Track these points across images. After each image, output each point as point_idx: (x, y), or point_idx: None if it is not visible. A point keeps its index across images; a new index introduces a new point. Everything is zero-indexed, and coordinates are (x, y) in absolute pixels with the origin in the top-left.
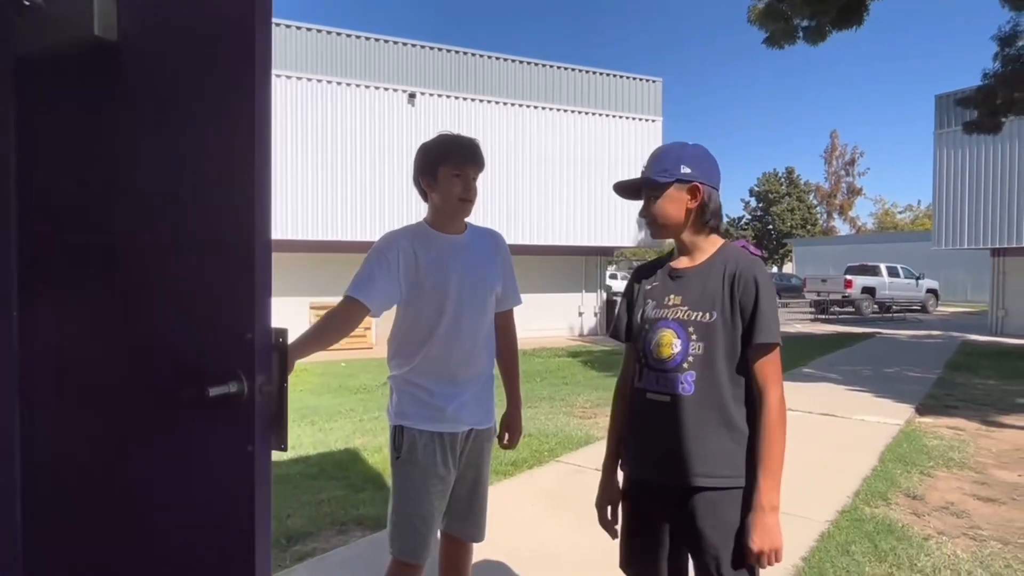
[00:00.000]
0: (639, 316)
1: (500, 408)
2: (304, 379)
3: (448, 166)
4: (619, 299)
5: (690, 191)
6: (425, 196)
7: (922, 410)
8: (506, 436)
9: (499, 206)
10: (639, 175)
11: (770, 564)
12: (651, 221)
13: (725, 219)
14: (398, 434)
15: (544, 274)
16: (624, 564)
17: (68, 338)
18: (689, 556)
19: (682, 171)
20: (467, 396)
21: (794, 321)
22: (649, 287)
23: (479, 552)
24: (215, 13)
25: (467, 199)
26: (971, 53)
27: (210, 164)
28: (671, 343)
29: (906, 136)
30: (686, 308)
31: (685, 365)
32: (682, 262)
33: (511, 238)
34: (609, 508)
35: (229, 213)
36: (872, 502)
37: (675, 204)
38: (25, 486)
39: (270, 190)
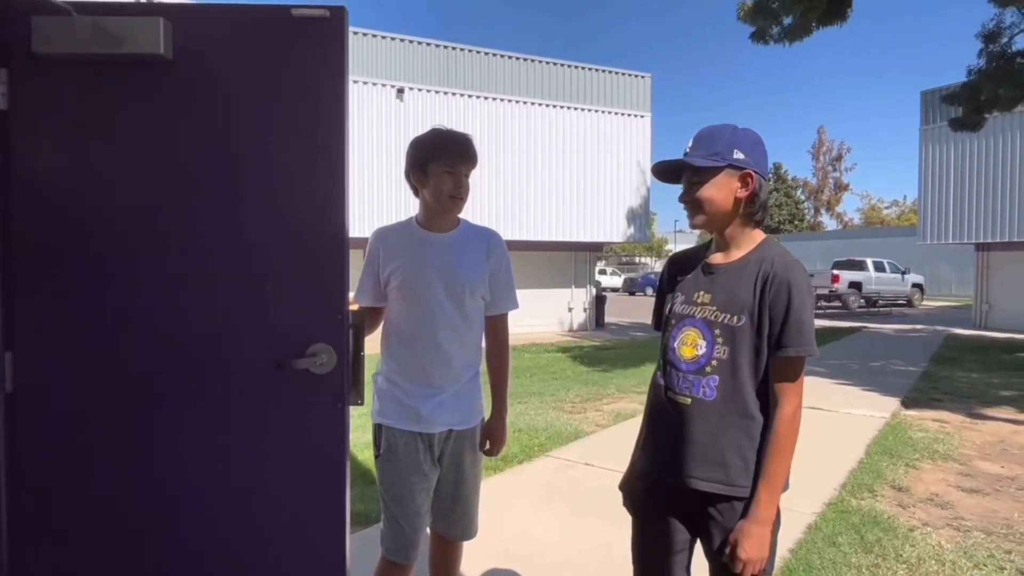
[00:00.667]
0: (668, 309)
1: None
2: None
3: (439, 163)
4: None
5: (742, 179)
6: (416, 191)
7: (908, 403)
8: (487, 444)
9: (487, 202)
10: (682, 155)
11: (753, 574)
12: (694, 209)
13: None
14: (377, 432)
15: (534, 270)
16: (634, 559)
17: (181, 325)
18: (698, 555)
19: (735, 156)
20: (445, 396)
21: None
22: (681, 279)
23: (468, 547)
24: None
25: (457, 196)
26: (956, 49)
27: (306, 179)
28: (696, 343)
29: (892, 132)
30: (714, 308)
31: (708, 368)
32: (717, 257)
33: (500, 234)
34: (627, 504)
35: (321, 219)
36: (858, 494)
37: (724, 192)
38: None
39: (348, 200)
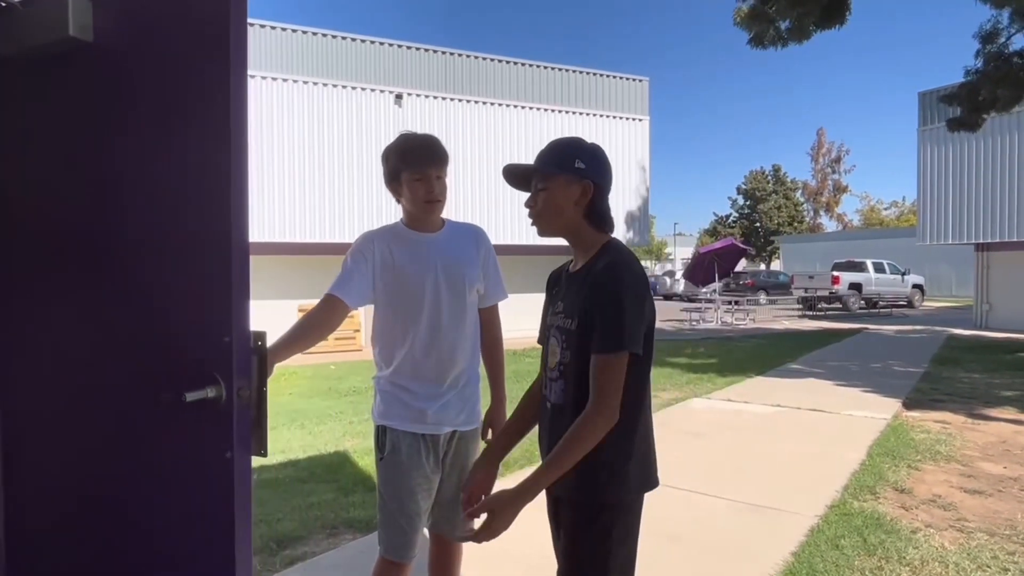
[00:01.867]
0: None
1: (486, 406)
2: (293, 382)
3: (408, 171)
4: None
5: (582, 188)
6: (396, 199)
7: (909, 404)
8: (490, 432)
9: (485, 206)
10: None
11: (479, 537)
12: (536, 214)
13: (713, 216)
14: (381, 435)
15: (531, 274)
16: None
17: (38, 339)
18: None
19: (576, 165)
20: (450, 397)
21: (782, 318)
22: (555, 291)
23: (469, 551)
24: (189, 14)
25: (432, 200)
26: (954, 50)
27: (185, 165)
28: (555, 351)
29: (891, 133)
30: (563, 314)
31: (558, 374)
32: (572, 266)
33: (497, 238)
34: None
35: (204, 214)
36: (860, 496)
37: (563, 199)
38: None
39: (246, 190)
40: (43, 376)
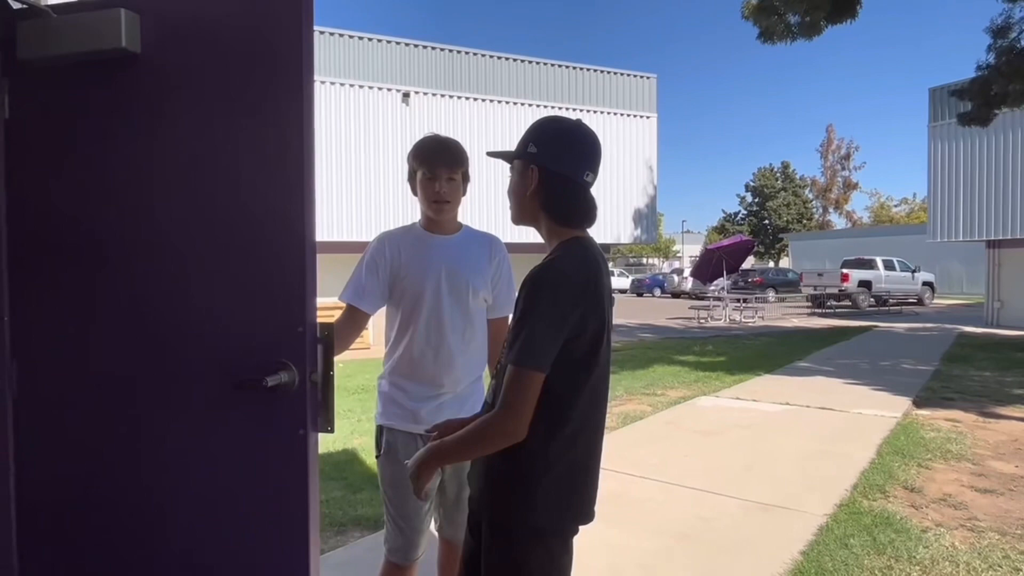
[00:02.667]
0: None
1: None
2: None
3: (422, 170)
4: None
5: (530, 173)
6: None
7: (919, 403)
8: None
9: (494, 205)
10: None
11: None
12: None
13: (721, 214)
14: (379, 433)
15: None
16: None
17: (129, 335)
18: None
19: (528, 149)
20: (446, 399)
21: (791, 315)
22: None
23: None
24: (245, 22)
25: (439, 200)
26: (964, 46)
27: (262, 171)
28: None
29: (901, 130)
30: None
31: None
32: None
33: (507, 237)
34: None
35: (281, 217)
36: (870, 495)
37: (518, 186)
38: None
39: (315, 196)
40: (131, 362)
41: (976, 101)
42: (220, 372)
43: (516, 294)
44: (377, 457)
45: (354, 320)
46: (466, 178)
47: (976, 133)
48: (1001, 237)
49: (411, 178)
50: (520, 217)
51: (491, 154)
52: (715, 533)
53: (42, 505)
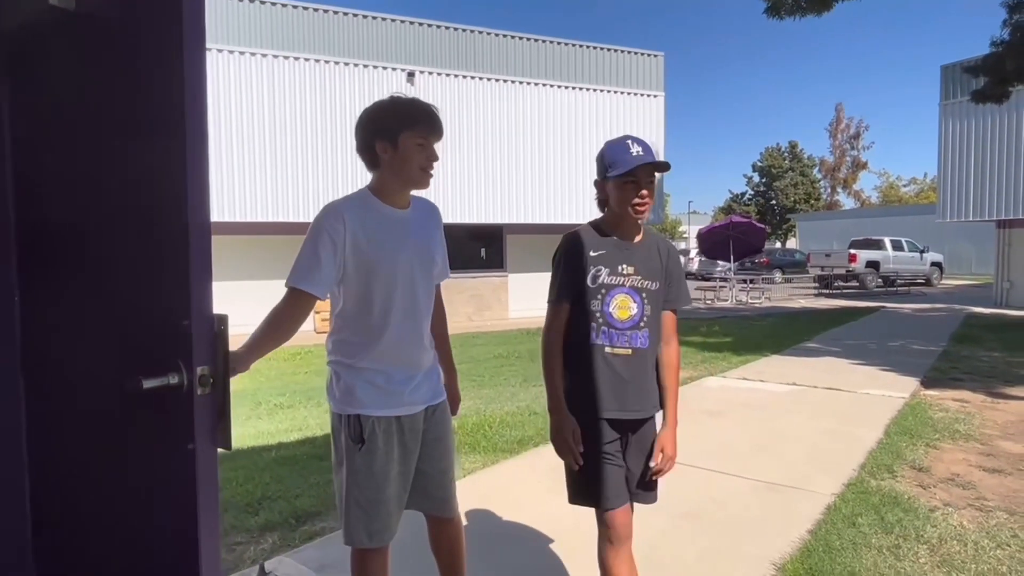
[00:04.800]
0: (590, 280)
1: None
2: (308, 361)
3: (412, 133)
4: (559, 264)
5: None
6: (373, 164)
7: (927, 383)
8: (454, 404)
9: (498, 184)
10: (645, 157)
11: (668, 468)
12: (649, 206)
13: (728, 194)
14: (354, 423)
15: (546, 252)
16: (579, 493)
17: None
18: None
19: None
20: (420, 377)
21: (798, 296)
22: (595, 254)
23: (487, 529)
24: None
25: (430, 169)
26: (978, 23)
27: (140, 140)
28: (629, 306)
29: (911, 109)
30: (639, 277)
31: (636, 324)
32: (626, 237)
33: (509, 217)
34: (571, 436)
35: (161, 192)
36: (878, 475)
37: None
38: None
39: (206, 165)
40: (13, 368)
41: (990, 78)
42: (107, 374)
43: (448, 261)
44: (359, 449)
45: (301, 306)
46: None
47: (988, 111)
48: (1012, 217)
49: (385, 138)
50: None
51: (665, 167)
52: (723, 512)
53: None
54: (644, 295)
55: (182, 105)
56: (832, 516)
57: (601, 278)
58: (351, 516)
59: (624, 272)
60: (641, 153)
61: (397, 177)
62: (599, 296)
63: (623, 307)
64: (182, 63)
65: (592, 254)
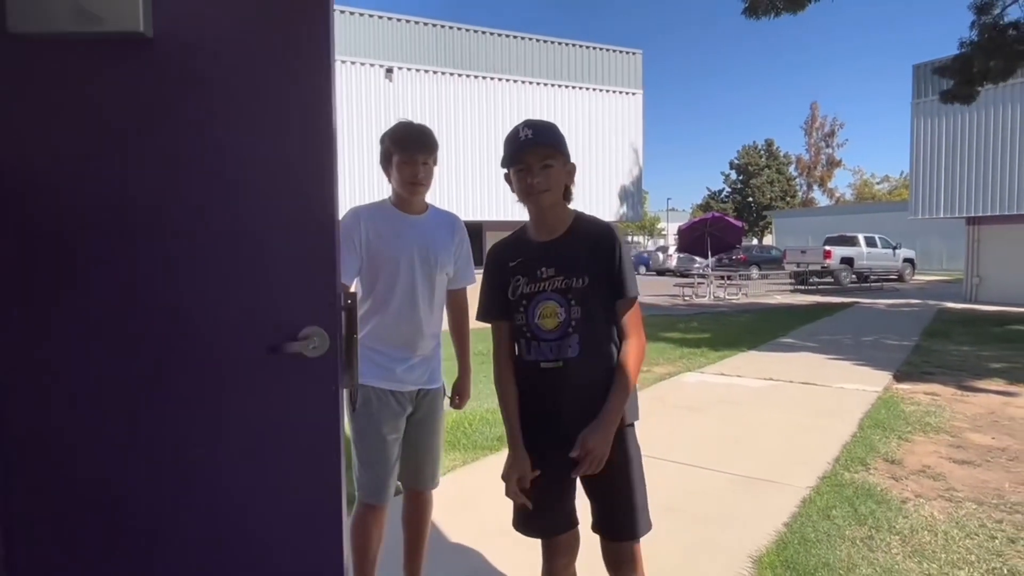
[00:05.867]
0: (511, 293)
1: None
2: None
3: (399, 155)
4: (482, 283)
5: (570, 168)
6: (389, 179)
7: (900, 377)
8: (456, 399)
9: (477, 181)
10: (533, 140)
11: (592, 469)
12: (545, 188)
13: (706, 191)
14: (353, 391)
15: None
16: (521, 523)
17: (186, 316)
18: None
19: (566, 148)
20: (416, 360)
21: (775, 292)
22: (512, 264)
23: (467, 525)
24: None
25: (415, 183)
26: (950, 22)
27: (290, 153)
28: (555, 312)
29: (885, 107)
30: (561, 278)
31: (565, 332)
32: (543, 235)
33: (490, 215)
34: (519, 479)
35: (310, 196)
36: (852, 467)
37: (563, 176)
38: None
39: (337, 174)
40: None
41: (958, 78)
42: (259, 339)
43: (472, 267)
44: (353, 412)
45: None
46: (435, 162)
47: (958, 110)
48: (981, 214)
49: (385, 160)
50: (555, 200)
51: (560, 149)
52: (701, 506)
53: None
54: (570, 296)
55: (331, 130)
56: (807, 509)
57: (520, 288)
58: (357, 476)
59: (544, 276)
60: (530, 136)
61: (396, 187)
62: (521, 308)
63: (549, 315)
64: (329, 86)
65: (510, 264)
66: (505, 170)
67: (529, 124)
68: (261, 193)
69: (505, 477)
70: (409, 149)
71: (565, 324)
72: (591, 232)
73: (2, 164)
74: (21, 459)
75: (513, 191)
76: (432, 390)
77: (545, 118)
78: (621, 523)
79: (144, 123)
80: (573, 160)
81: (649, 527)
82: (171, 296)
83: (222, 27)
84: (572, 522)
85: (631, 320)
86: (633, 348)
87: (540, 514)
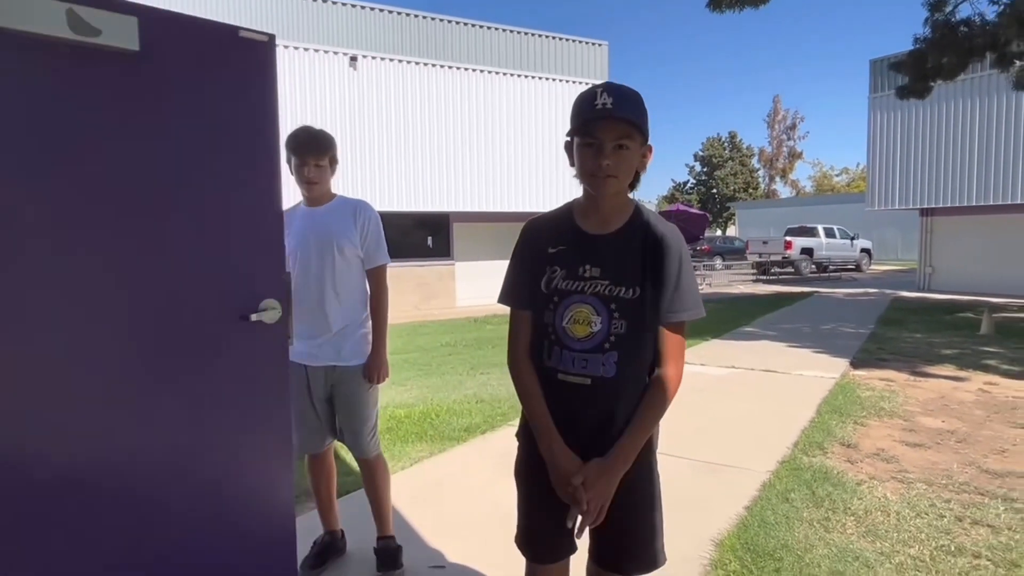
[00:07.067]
0: (544, 284)
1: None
2: None
3: (293, 157)
4: (511, 261)
5: (645, 151)
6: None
7: (856, 364)
8: (370, 374)
9: (443, 172)
10: (613, 111)
11: (594, 521)
12: (615, 174)
13: (671, 183)
14: None
15: (493, 241)
16: (524, 541)
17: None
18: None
19: (647, 127)
20: (324, 339)
21: (738, 282)
22: (552, 251)
23: (432, 517)
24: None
25: (307, 181)
26: (909, 18)
27: (251, 168)
28: (590, 320)
29: (844, 101)
30: (608, 281)
31: (603, 345)
32: (594, 226)
33: (457, 206)
34: (571, 479)
35: (265, 201)
36: (810, 452)
37: (636, 160)
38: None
39: (281, 184)
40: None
41: (912, 74)
42: (233, 310)
43: (384, 247)
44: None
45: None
46: (333, 161)
47: (913, 105)
48: (934, 205)
49: (288, 162)
50: (620, 188)
51: (639, 128)
52: (665, 492)
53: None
54: (614, 306)
55: (276, 147)
56: (767, 492)
57: (555, 282)
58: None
59: (586, 275)
60: (608, 105)
61: (298, 188)
62: (551, 305)
63: (581, 321)
64: (274, 110)
65: (550, 251)
66: (568, 138)
67: (610, 88)
68: (225, 189)
69: (558, 483)
70: (298, 152)
71: (602, 336)
72: (652, 234)
73: None
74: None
75: (571, 164)
76: (347, 367)
77: (511, 108)
78: (633, 559)
79: (129, 128)
80: (628, 142)
81: (657, 566)
82: (164, 276)
83: (190, 51)
84: (572, 548)
85: (675, 346)
86: (670, 378)
87: (540, 539)
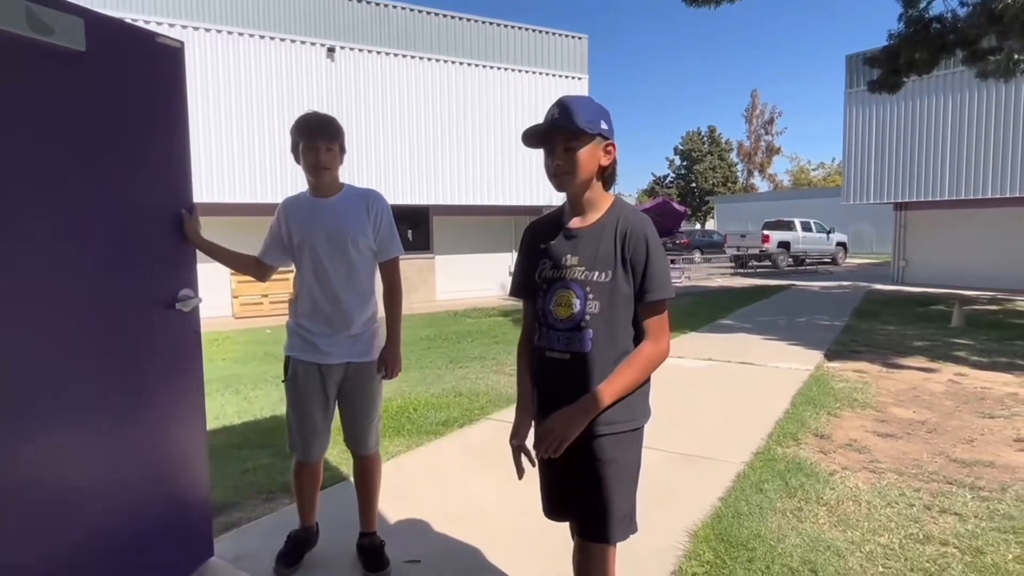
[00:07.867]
0: (537, 275)
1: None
2: (227, 347)
3: (302, 142)
4: (516, 259)
5: (606, 148)
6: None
7: (830, 355)
8: (384, 369)
9: (423, 165)
10: (554, 122)
11: (549, 451)
12: (567, 172)
13: (651, 177)
14: (287, 363)
15: (473, 234)
16: (544, 510)
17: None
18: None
19: (602, 127)
20: (340, 336)
21: (716, 276)
22: (543, 246)
23: (408, 510)
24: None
25: (319, 167)
26: (885, 14)
27: (161, 163)
28: (571, 303)
29: (821, 96)
30: (584, 267)
31: (579, 324)
32: (575, 221)
33: (436, 199)
34: (513, 442)
35: (182, 201)
36: (784, 443)
37: (593, 158)
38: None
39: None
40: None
41: (886, 69)
42: (159, 299)
43: (397, 239)
44: (284, 382)
45: (260, 267)
46: (342, 150)
47: (888, 100)
48: (907, 200)
49: (294, 149)
50: (583, 185)
51: (578, 131)
52: (641, 483)
53: None
54: (588, 289)
55: (187, 146)
56: (741, 483)
57: (544, 272)
58: (288, 435)
59: (567, 264)
60: (555, 116)
61: (305, 173)
62: (542, 292)
63: (563, 304)
64: (185, 110)
65: (541, 246)
66: None
67: (560, 103)
68: (149, 191)
69: (510, 439)
70: (309, 136)
71: (579, 316)
72: (623, 223)
73: None
74: None
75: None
76: (363, 363)
77: (491, 101)
78: (592, 522)
79: (67, 127)
80: (575, 144)
81: (626, 535)
82: (88, 267)
83: (119, 53)
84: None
85: (654, 324)
86: (645, 350)
87: (551, 503)
